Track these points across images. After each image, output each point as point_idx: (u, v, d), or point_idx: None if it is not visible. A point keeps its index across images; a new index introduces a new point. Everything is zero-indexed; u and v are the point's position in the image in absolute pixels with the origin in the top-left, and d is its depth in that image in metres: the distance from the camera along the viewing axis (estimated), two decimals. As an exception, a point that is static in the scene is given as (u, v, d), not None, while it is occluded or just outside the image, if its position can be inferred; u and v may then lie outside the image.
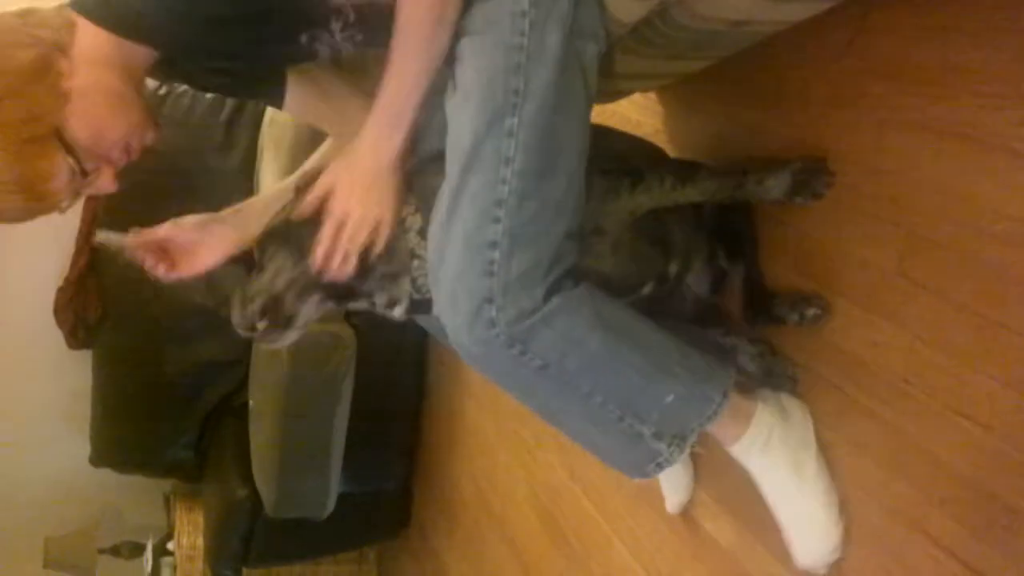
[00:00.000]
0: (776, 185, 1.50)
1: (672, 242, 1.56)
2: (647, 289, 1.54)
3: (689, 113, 1.88)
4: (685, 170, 1.52)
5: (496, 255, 1.30)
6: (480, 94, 1.30)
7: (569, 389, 1.38)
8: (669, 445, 1.43)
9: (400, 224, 1.45)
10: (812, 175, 1.48)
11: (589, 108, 1.37)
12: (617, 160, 1.49)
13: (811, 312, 1.52)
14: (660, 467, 1.45)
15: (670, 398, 1.40)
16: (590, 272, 1.42)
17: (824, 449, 1.52)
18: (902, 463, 1.39)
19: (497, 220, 1.30)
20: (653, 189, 1.47)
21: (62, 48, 1.32)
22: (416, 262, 1.46)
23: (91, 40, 1.33)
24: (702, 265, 1.64)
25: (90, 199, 3.45)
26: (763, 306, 1.60)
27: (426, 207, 1.43)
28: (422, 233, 1.45)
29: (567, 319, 1.33)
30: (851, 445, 1.48)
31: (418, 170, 1.45)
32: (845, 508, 1.49)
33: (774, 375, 1.59)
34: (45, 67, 1.30)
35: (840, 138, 1.48)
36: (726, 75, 1.67)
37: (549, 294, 1.32)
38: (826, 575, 1.50)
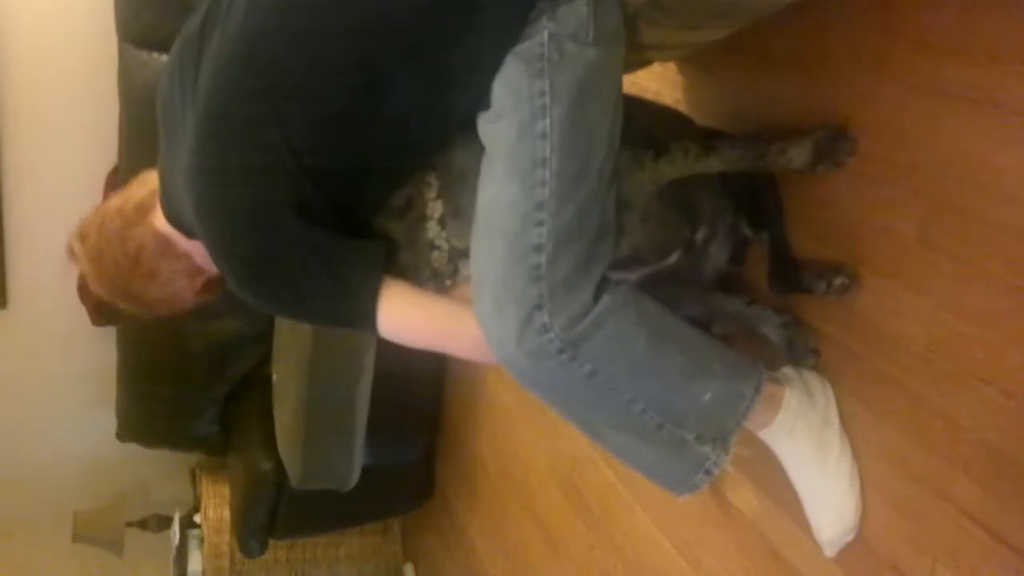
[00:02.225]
0: (798, 154, 1.49)
1: (699, 209, 1.55)
2: (674, 257, 1.53)
3: (708, 83, 1.87)
4: (709, 140, 1.52)
5: (542, 259, 1.29)
6: (508, 103, 1.30)
7: (613, 396, 1.36)
8: (713, 449, 1.41)
9: (421, 212, 1.45)
10: (833, 143, 1.47)
11: (618, 104, 1.36)
12: (641, 132, 1.49)
13: (839, 282, 1.51)
14: (709, 474, 1.42)
15: (707, 396, 1.39)
16: (621, 247, 1.41)
17: (847, 418, 1.53)
18: (925, 431, 1.39)
19: (540, 223, 1.29)
20: (676, 160, 1.47)
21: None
22: (435, 253, 1.46)
23: None
24: (725, 234, 1.63)
25: (108, 182, 3.48)
26: (790, 275, 1.60)
27: (448, 192, 1.42)
28: (442, 222, 1.45)
29: (616, 319, 1.32)
30: (874, 414, 1.48)
31: (444, 150, 1.44)
32: (869, 476, 1.50)
33: (796, 347, 1.59)
34: (166, 241, 1.58)
35: (861, 106, 1.47)
36: (745, 44, 1.66)
37: (597, 295, 1.31)
38: (851, 542, 1.51)
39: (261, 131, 1.35)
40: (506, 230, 1.31)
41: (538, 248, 1.29)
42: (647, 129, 1.51)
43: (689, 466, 1.42)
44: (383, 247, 1.44)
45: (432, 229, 1.46)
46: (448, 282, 1.46)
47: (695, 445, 1.40)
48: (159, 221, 1.57)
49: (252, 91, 1.36)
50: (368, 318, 1.41)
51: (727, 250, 1.66)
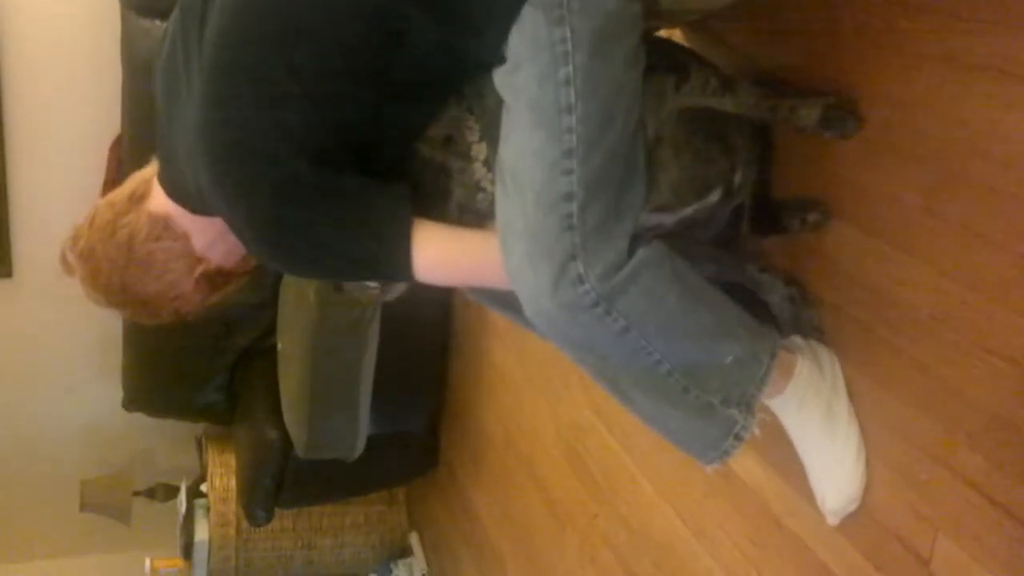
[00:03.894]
0: (807, 115, 1.48)
1: (735, 146, 1.52)
2: (715, 196, 1.50)
3: (713, 51, 1.85)
4: (729, 77, 1.49)
5: (573, 207, 1.26)
6: (526, 53, 1.27)
7: (641, 356, 1.35)
8: (740, 412, 1.41)
9: (465, 154, 1.43)
10: (842, 114, 1.46)
11: (640, 53, 1.33)
12: (661, 55, 1.45)
13: (812, 217, 1.52)
14: (739, 439, 1.42)
15: (728, 359, 1.39)
16: (660, 186, 1.40)
17: (850, 387, 1.53)
18: (928, 400, 1.39)
19: (569, 172, 1.26)
20: (695, 91, 1.45)
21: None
22: (480, 195, 1.43)
23: None
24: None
25: (112, 151, 3.47)
26: (770, 217, 1.60)
27: (490, 135, 1.40)
28: (488, 164, 1.42)
29: (651, 274, 1.31)
30: (877, 382, 1.48)
31: (479, 93, 1.41)
32: (872, 446, 1.50)
33: (800, 321, 1.58)
34: (163, 222, 1.52)
35: (867, 73, 1.46)
36: (753, 12, 1.64)
37: (632, 248, 1.30)
38: (853, 511, 1.52)
39: (273, 77, 1.32)
40: (534, 180, 1.28)
41: (568, 197, 1.27)
42: (666, 50, 1.48)
43: (718, 430, 1.42)
44: (408, 188, 1.41)
45: (479, 171, 1.43)
46: (490, 223, 1.43)
47: (722, 409, 1.40)
48: (155, 204, 1.53)
49: (263, 37, 1.33)
50: (403, 263, 1.37)
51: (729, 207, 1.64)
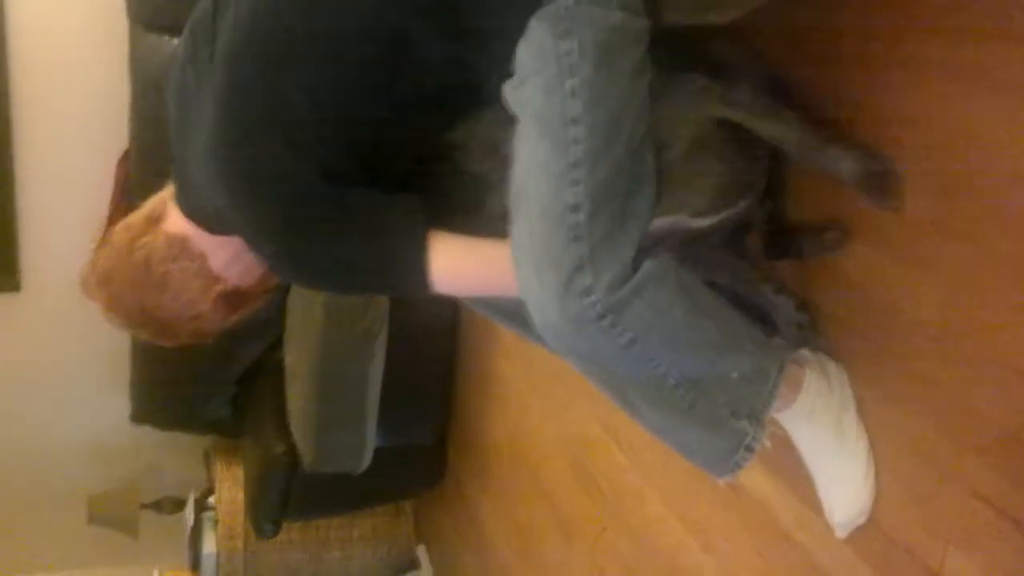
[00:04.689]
0: (848, 172, 1.40)
1: (764, 147, 1.49)
2: (750, 199, 1.48)
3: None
4: (778, 105, 1.46)
5: (580, 218, 1.27)
6: (533, 65, 1.29)
7: (648, 368, 1.36)
8: (751, 424, 1.41)
9: (503, 159, 1.42)
10: (884, 185, 1.40)
11: (646, 68, 1.34)
12: (702, 52, 1.43)
13: (830, 236, 1.50)
14: (750, 451, 1.42)
15: (735, 375, 1.39)
16: (704, 187, 1.38)
17: (858, 400, 1.53)
18: (936, 412, 1.39)
19: (576, 183, 1.27)
20: (741, 108, 1.41)
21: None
22: None
23: None
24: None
25: (119, 165, 3.48)
26: (786, 242, 1.59)
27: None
28: None
29: (656, 287, 1.31)
30: (884, 395, 1.48)
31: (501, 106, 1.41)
32: (880, 458, 1.49)
33: (809, 343, 1.58)
34: (180, 243, 1.53)
35: (874, 87, 1.46)
36: (757, 28, 1.65)
37: (639, 260, 1.30)
38: (862, 524, 1.51)
39: (283, 95, 1.33)
40: (540, 191, 1.29)
41: (575, 208, 1.27)
42: (709, 53, 1.46)
43: (728, 443, 1.42)
44: (420, 199, 1.41)
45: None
46: None
47: (732, 421, 1.41)
48: (172, 224, 1.54)
49: (272, 55, 1.34)
50: (418, 275, 1.38)
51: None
